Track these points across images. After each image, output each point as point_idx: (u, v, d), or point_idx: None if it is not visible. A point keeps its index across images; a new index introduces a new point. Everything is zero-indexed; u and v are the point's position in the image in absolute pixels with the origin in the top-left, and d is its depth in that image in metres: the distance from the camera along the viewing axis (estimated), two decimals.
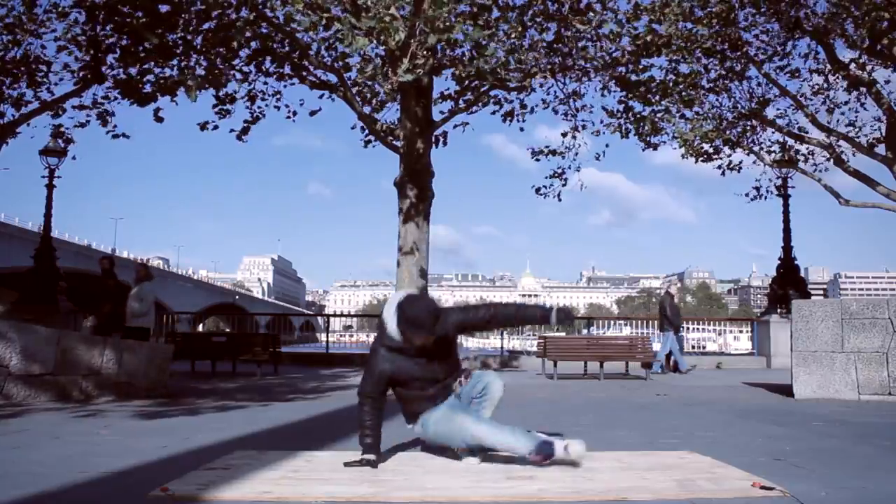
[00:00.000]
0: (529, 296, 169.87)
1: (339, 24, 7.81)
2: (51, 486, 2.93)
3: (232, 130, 11.99)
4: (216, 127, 11.93)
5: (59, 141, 13.69)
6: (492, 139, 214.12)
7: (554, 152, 13.35)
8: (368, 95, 12.22)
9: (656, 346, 12.66)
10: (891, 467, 3.56)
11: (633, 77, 11.41)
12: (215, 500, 2.73)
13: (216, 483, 2.93)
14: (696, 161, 14.10)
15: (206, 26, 10.33)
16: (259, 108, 12.21)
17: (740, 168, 14.76)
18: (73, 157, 14.37)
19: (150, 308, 10.11)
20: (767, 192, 15.44)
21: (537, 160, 13.42)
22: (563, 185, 13.52)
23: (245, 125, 12.11)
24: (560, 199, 13.79)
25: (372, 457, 3.38)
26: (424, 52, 9.03)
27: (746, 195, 15.35)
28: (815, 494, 2.83)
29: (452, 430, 3.43)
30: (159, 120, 11.44)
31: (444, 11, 7.94)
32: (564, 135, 13.29)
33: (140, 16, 10.07)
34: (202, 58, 10.60)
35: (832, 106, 13.88)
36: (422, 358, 3.51)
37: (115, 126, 11.98)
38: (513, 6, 10.48)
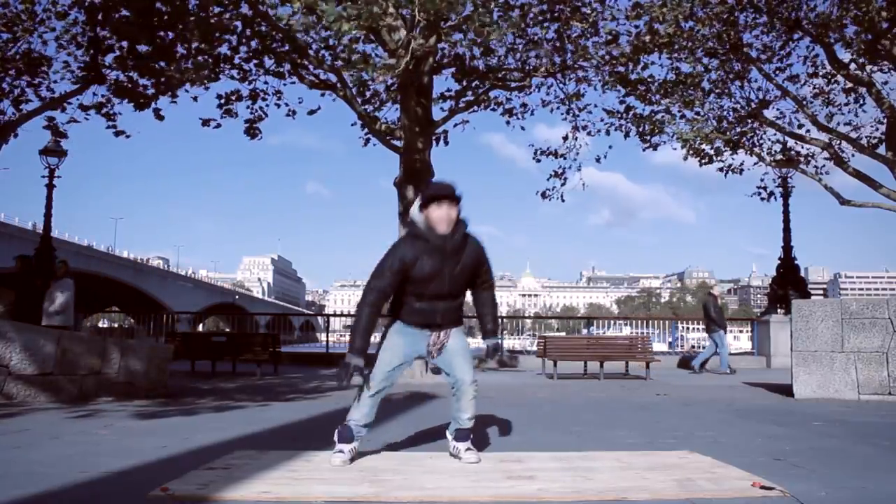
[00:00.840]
0: (529, 295, 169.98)
1: (325, 8, 7.72)
2: (51, 485, 2.93)
3: (246, 131, 11.99)
4: (219, 125, 11.94)
5: (55, 136, 13.69)
6: (491, 138, 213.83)
7: (556, 153, 13.38)
8: (368, 95, 12.21)
9: (657, 346, 12.67)
10: (891, 467, 3.56)
11: (634, 75, 11.43)
12: (215, 499, 2.73)
13: (216, 483, 2.93)
14: (701, 164, 14.09)
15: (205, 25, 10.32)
16: (260, 106, 12.22)
17: (741, 170, 14.77)
18: (66, 152, 14.39)
19: (67, 306, 9.82)
20: (774, 192, 15.47)
21: (538, 161, 13.46)
22: (563, 185, 13.55)
23: (248, 124, 12.11)
24: (563, 200, 13.83)
25: (360, 361, 3.33)
26: (423, 52, 9.00)
27: (759, 195, 15.32)
28: (815, 494, 2.83)
29: (383, 349, 3.51)
30: (160, 118, 11.43)
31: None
32: (566, 138, 13.32)
33: (134, 17, 10.05)
34: (199, 57, 10.59)
35: (832, 113, 13.86)
36: (438, 265, 3.37)
37: (115, 125, 11.98)
38: (513, 5, 10.47)
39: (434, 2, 7.41)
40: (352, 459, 3.44)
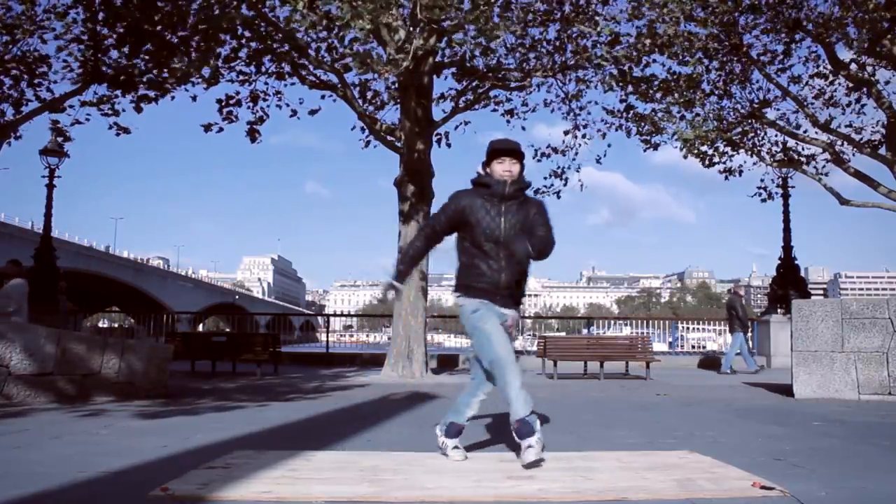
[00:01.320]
0: (529, 295, 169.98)
1: (337, 6, 7.74)
2: (51, 486, 2.93)
3: (247, 134, 11.98)
4: (221, 129, 11.94)
5: (58, 137, 13.70)
6: (488, 137, 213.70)
7: (556, 150, 13.38)
8: (369, 95, 12.22)
9: (657, 346, 12.68)
10: (891, 467, 3.56)
11: (637, 73, 11.44)
12: (215, 499, 2.73)
13: (216, 483, 2.93)
14: (703, 164, 14.09)
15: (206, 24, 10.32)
16: (261, 108, 12.22)
17: (741, 172, 14.78)
18: (68, 155, 14.40)
19: (17, 306, 9.66)
20: (775, 193, 15.47)
21: (539, 161, 13.47)
22: (564, 185, 13.56)
23: (250, 126, 12.12)
24: (559, 197, 13.83)
25: (399, 285, 3.46)
26: (423, 52, 9.01)
27: (759, 196, 15.33)
28: (815, 494, 2.83)
29: (482, 340, 3.36)
30: (139, 110, 11.32)
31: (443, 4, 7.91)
32: (567, 132, 13.32)
33: (137, 14, 10.06)
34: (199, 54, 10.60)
35: (831, 118, 13.86)
36: (496, 212, 3.36)
37: (115, 123, 11.98)
38: (513, 6, 10.48)
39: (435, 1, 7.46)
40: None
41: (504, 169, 3.39)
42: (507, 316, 3.48)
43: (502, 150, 3.42)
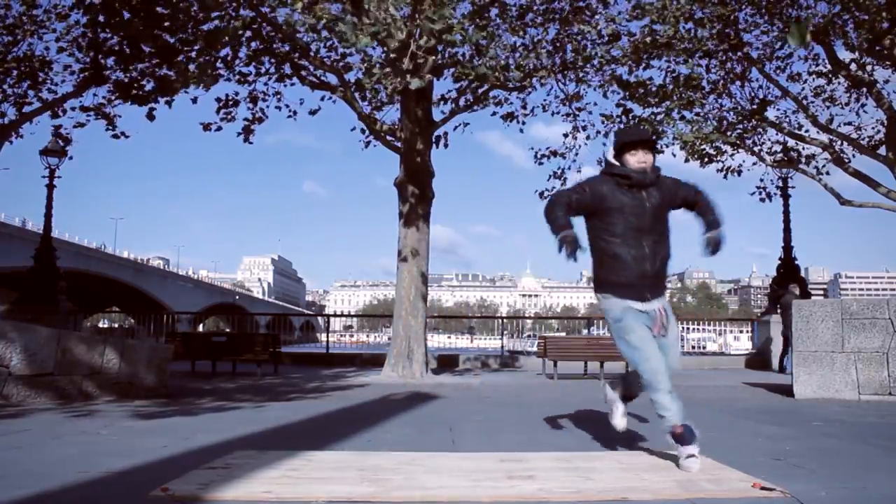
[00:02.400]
0: (530, 296, 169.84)
1: (342, 26, 7.81)
2: (51, 486, 2.93)
3: (239, 134, 12.00)
4: (220, 128, 11.95)
5: (59, 141, 13.70)
6: (487, 136, 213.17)
7: (555, 153, 13.39)
8: (369, 95, 12.21)
9: None
10: (891, 467, 3.56)
11: (633, 78, 11.44)
12: (215, 499, 2.73)
13: (216, 483, 2.93)
14: (702, 164, 14.08)
15: (205, 27, 10.32)
16: (260, 108, 12.23)
17: (741, 171, 14.77)
18: (70, 157, 14.40)
19: None
20: (774, 193, 15.46)
21: (540, 164, 13.47)
22: (563, 185, 13.56)
23: (246, 124, 12.11)
24: None
25: (569, 232, 3.19)
26: (423, 54, 9.04)
27: (759, 195, 15.32)
28: (815, 494, 2.83)
29: (628, 353, 3.30)
30: (151, 118, 11.41)
31: (443, 13, 7.95)
32: (566, 135, 13.33)
33: (137, 19, 10.07)
34: (202, 58, 10.61)
35: (832, 115, 13.88)
36: (638, 200, 3.27)
37: (114, 127, 11.99)
38: (512, 6, 10.49)
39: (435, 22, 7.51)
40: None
41: (639, 160, 3.30)
42: (654, 308, 3.34)
43: (636, 140, 3.32)
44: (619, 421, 3.60)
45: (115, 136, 12.01)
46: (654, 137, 3.39)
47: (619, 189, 3.29)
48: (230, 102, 11.98)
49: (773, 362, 12.90)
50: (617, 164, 3.36)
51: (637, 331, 3.28)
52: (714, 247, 3.35)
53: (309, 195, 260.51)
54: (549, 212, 3.31)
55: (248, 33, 10.88)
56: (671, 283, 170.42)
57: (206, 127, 11.90)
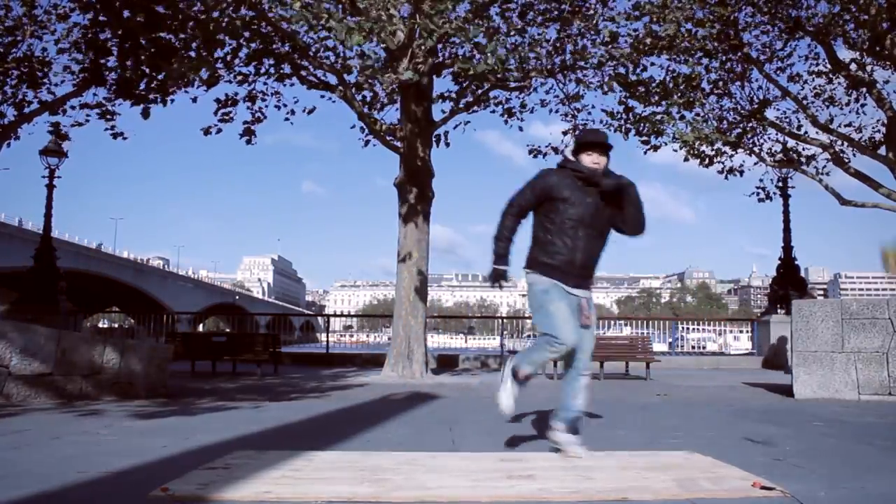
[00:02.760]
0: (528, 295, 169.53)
1: (333, 22, 7.80)
2: (51, 486, 2.93)
3: (241, 136, 12.00)
4: (220, 130, 11.96)
5: (56, 139, 13.69)
6: (486, 136, 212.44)
7: (556, 150, 13.36)
8: (369, 97, 12.21)
9: (657, 346, 12.68)
10: (890, 467, 3.56)
11: (633, 77, 11.43)
12: (215, 499, 2.73)
13: (216, 483, 2.93)
14: (701, 164, 14.08)
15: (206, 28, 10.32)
16: (259, 108, 12.23)
17: (741, 172, 14.77)
18: (66, 155, 14.39)
19: None
20: (773, 193, 15.46)
21: (535, 157, 13.44)
22: None
23: (246, 125, 12.11)
24: None
25: (503, 267, 3.51)
26: (424, 53, 9.04)
27: (756, 195, 15.31)
28: (815, 494, 2.83)
29: (546, 310, 3.46)
30: (146, 116, 11.38)
31: (443, 9, 7.94)
32: (566, 133, 13.31)
33: (138, 18, 10.06)
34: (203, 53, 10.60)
35: (832, 116, 13.87)
36: (583, 194, 3.49)
37: (113, 126, 11.98)
38: (513, 6, 10.48)
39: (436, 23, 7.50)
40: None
41: (593, 161, 3.52)
42: (580, 297, 3.54)
43: (592, 142, 3.55)
44: (506, 400, 3.55)
45: (115, 136, 12.01)
46: (609, 143, 3.58)
47: (567, 182, 3.51)
48: (229, 102, 11.98)
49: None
50: (573, 160, 3.58)
51: (560, 304, 3.46)
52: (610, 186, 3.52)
53: (308, 195, 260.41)
54: (499, 227, 3.55)
55: (247, 34, 10.87)
56: (671, 282, 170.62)
57: (207, 131, 11.93)
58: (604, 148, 3.54)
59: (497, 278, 3.53)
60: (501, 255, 3.51)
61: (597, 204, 3.50)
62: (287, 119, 12.57)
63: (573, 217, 3.46)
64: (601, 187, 3.50)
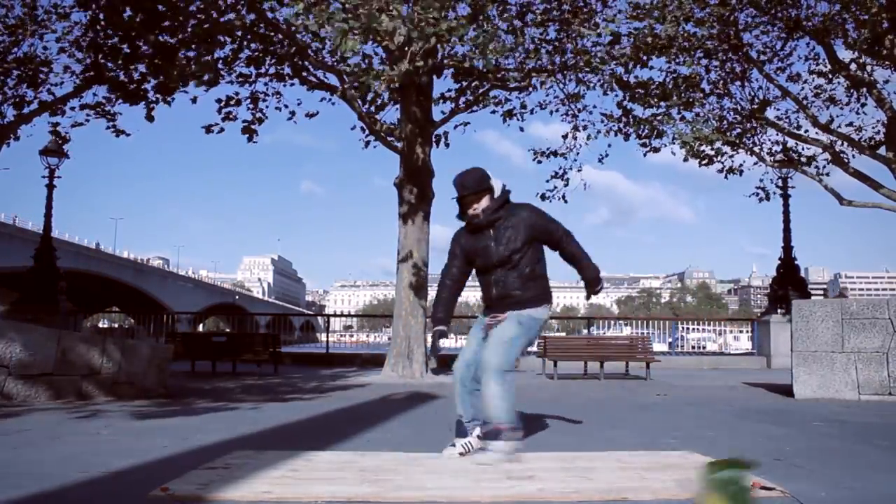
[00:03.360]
0: None
1: (329, 29, 7.80)
2: (51, 485, 2.93)
3: (243, 131, 11.99)
4: (221, 130, 11.95)
5: (57, 140, 13.68)
6: (484, 135, 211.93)
7: (556, 153, 13.38)
8: (369, 97, 12.22)
9: (657, 346, 12.68)
10: (891, 467, 3.56)
11: (633, 79, 11.44)
12: (215, 499, 2.73)
13: (216, 483, 2.93)
14: (700, 164, 14.08)
15: (205, 27, 10.32)
16: (260, 108, 12.22)
17: (741, 171, 14.77)
18: (67, 156, 14.38)
19: None
20: (773, 192, 15.46)
21: (539, 162, 13.46)
22: (566, 186, 13.55)
23: (245, 125, 12.11)
24: (566, 202, 13.83)
25: (441, 328, 3.74)
26: (422, 53, 9.03)
27: (756, 195, 15.31)
28: (815, 494, 2.83)
29: (470, 340, 3.75)
30: (151, 119, 11.39)
31: (437, 12, 7.94)
32: (565, 136, 13.32)
33: (138, 18, 10.06)
34: (203, 56, 10.60)
35: (832, 116, 13.86)
36: (484, 241, 3.65)
37: (114, 125, 11.98)
38: (512, 6, 10.48)
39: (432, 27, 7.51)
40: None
41: (471, 210, 3.66)
42: (486, 319, 3.76)
43: (457, 197, 3.68)
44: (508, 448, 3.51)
45: (117, 134, 12.01)
46: (472, 184, 3.63)
47: (470, 236, 3.72)
48: (231, 102, 11.98)
49: None
50: (459, 213, 3.75)
51: (473, 331, 3.80)
52: (597, 289, 3.90)
53: (307, 195, 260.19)
54: (439, 291, 3.81)
55: (248, 35, 10.87)
56: (671, 282, 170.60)
57: (209, 129, 11.91)
58: (468, 196, 3.62)
59: (439, 337, 3.78)
60: (442, 319, 3.76)
61: (501, 240, 3.62)
62: (290, 119, 12.59)
63: (485, 264, 3.67)
64: (491, 229, 3.66)
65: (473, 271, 3.82)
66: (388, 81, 8.79)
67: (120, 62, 10.96)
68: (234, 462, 3.40)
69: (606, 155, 13.40)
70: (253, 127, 12.05)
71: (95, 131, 12.36)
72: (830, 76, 13.90)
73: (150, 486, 2.83)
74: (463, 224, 3.76)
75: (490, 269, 3.66)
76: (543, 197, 13.61)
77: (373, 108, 11.97)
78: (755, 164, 14.80)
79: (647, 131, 12.54)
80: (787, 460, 3.65)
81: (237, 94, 12.04)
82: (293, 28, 9.36)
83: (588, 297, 4.06)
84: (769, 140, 14.79)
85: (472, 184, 3.62)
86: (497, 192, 3.66)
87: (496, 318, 3.67)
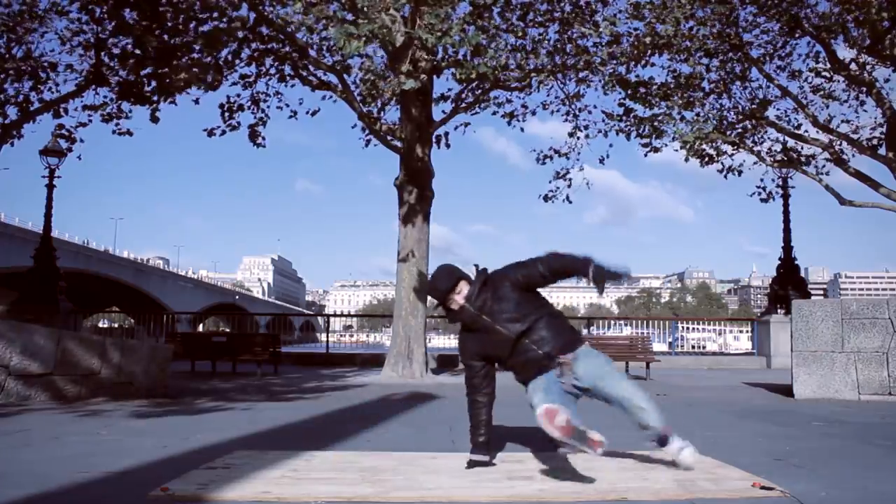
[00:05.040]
0: None
1: (332, 30, 7.82)
2: (51, 486, 2.93)
3: (250, 137, 12.00)
4: (224, 132, 11.97)
5: (64, 141, 13.62)
6: (483, 135, 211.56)
7: (558, 153, 13.38)
8: (370, 98, 12.21)
9: (657, 346, 12.68)
10: (891, 467, 3.56)
11: (634, 78, 11.44)
12: (215, 499, 2.73)
13: (216, 483, 2.93)
14: (702, 164, 14.07)
15: (205, 27, 10.32)
16: (262, 109, 12.23)
17: (741, 171, 14.76)
18: (79, 157, 14.32)
19: None
20: (773, 193, 15.44)
21: (543, 164, 13.45)
22: (569, 186, 13.54)
23: (251, 128, 12.15)
24: (570, 202, 13.83)
25: (482, 458, 3.37)
26: (425, 56, 9.04)
27: (759, 196, 15.29)
28: (815, 494, 2.83)
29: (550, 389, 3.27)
30: (155, 120, 11.41)
31: (441, 14, 7.95)
32: (571, 134, 13.32)
33: (141, 19, 10.05)
34: (204, 59, 10.60)
35: (831, 116, 13.86)
36: (484, 328, 3.38)
37: (118, 124, 11.97)
38: (513, 7, 10.48)
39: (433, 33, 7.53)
40: None
41: (454, 306, 3.44)
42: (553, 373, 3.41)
43: (438, 301, 3.51)
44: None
45: (121, 133, 12.00)
46: (447, 284, 3.44)
47: (471, 337, 3.47)
48: (234, 108, 12.01)
49: None
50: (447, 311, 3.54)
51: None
52: (603, 279, 3.38)
53: (307, 195, 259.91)
54: (471, 407, 3.51)
55: (249, 35, 10.86)
56: (670, 282, 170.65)
57: (210, 133, 11.94)
58: (443, 294, 3.43)
59: (471, 466, 3.35)
60: (485, 444, 3.43)
61: (500, 319, 3.35)
62: (291, 117, 12.60)
63: (507, 354, 3.37)
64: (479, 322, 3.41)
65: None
66: (394, 88, 8.83)
67: (122, 64, 10.95)
68: (235, 462, 3.40)
69: (607, 156, 13.40)
70: (258, 130, 12.08)
71: (95, 131, 12.36)
72: (830, 75, 13.89)
73: (150, 486, 2.83)
74: (459, 328, 3.54)
75: (516, 351, 3.36)
76: (546, 198, 13.60)
77: (374, 109, 11.98)
78: (755, 163, 14.79)
79: (647, 131, 12.53)
80: (787, 460, 3.65)
81: (238, 96, 12.05)
82: (292, 27, 9.36)
83: (601, 293, 3.63)
84: (769, 140, 14.79)
85: (444, 282, 3.44)
86: (472, 276, 3.46)
87: (564, 362, 3.33)
